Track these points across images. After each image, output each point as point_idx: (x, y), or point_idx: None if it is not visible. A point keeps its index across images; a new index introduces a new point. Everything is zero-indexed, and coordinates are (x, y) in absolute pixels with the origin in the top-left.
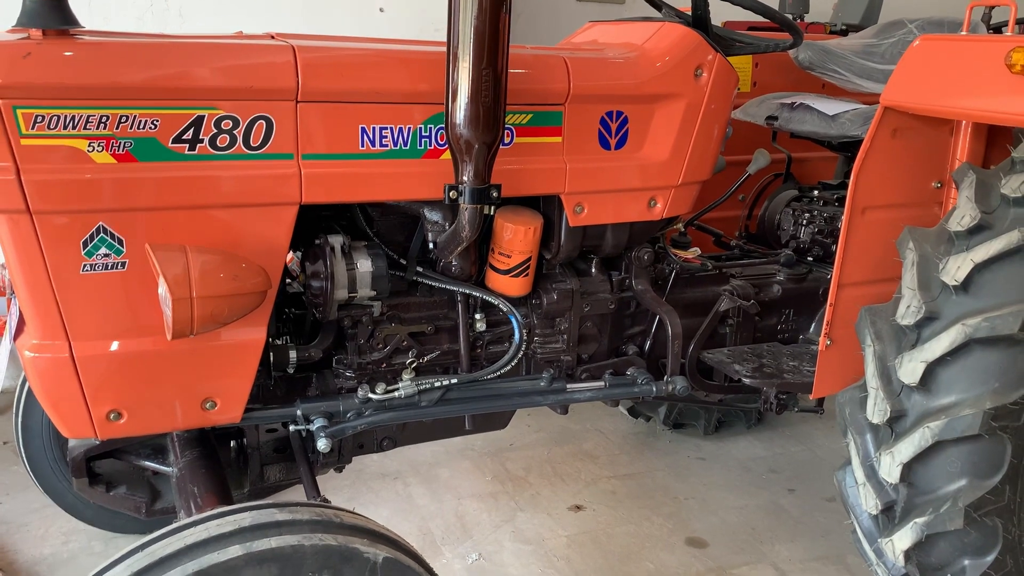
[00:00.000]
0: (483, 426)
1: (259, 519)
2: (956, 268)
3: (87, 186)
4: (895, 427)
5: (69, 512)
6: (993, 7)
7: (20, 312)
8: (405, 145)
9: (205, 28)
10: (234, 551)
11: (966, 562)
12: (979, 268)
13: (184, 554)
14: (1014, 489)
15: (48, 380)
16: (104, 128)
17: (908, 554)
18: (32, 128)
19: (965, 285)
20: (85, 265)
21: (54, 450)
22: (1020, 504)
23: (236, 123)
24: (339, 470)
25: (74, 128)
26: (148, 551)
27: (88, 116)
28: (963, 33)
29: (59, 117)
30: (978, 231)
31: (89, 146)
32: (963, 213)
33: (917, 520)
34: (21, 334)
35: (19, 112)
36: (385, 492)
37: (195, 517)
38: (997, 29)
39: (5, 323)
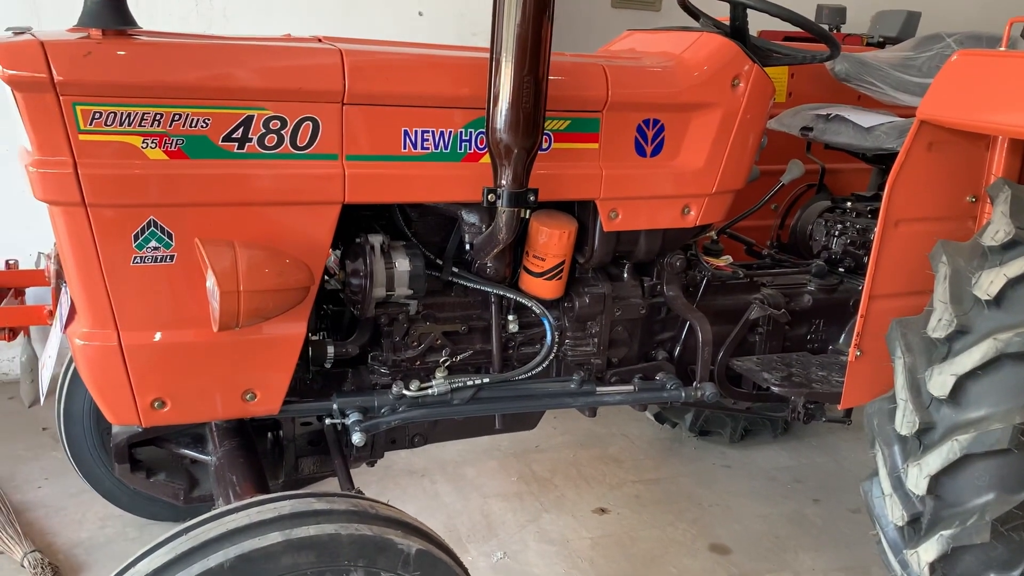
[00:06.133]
0: (513, 426)
1: (298, 508)
2: (989, 283)
3: (140, 181)
4: (923, 439)
5: (106, 498)
6: None
7: (71, 301)
8: (446, 148)
9: (249, 29)
10: (274, 537)
11: None
12: (1012, 283)
13: (226, 539)
14: None
15: (97, 368)
16: (158, 125)
17: (933, 566)
18: (90, 124)
19: (998, 300)
20: (136, 257)
21: (94, 436)
22: None
23: (284, 123)
24: (371, 464)
25: (129, 125)
26: (191, 535)
27: (143, 114)
28: (1002, 48)
29: (115, 114)
30: (1012, 246)
31: (143, 142)
32: (997, 228)
33: (943, 532)
34: (71, 323)
35: (78, 108)
36: (412, 489)
37: (236, 504)
38: None
39: (52, 312)
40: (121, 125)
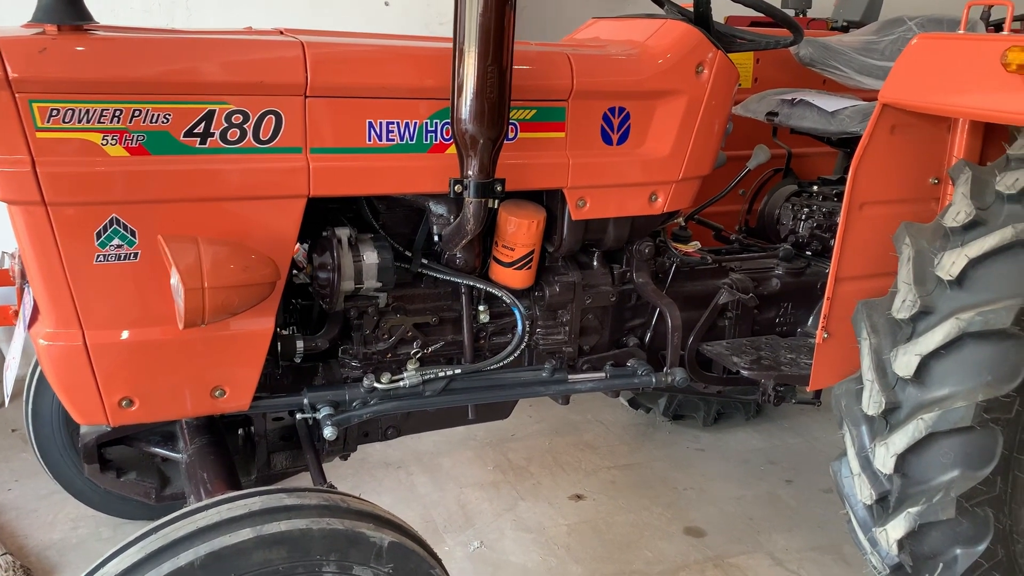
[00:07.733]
0: (486, 416)
1: (269, 503)
2: (951, 263)
3: (101, 178)
4: (890, 419)
5: (78, 498)
6: (992, 6)
7: (34, 301)
8: (411, 140)
9: (212, 22)
10: (245, 534)
11: (958, 551)
12: (973, 263)
13: (196, 537)
14: (1005, 480)
15: (62, 368)
16: (118, 122)
17: (901, 543)
18: (47, 121)
19: (959, 280)
20: (98, 256)
21: (63, 436)
22: (1011, 495)
23: (246, 117)
24: (344, 458)
25: (88, 121)
26: (161, 533)
27: (102, 110)
28: (961, 31)
29: (74, 111)
30: (973, 227)
31: (103, 139)
32: (959, 209)
33: (910, 510)
34: (35, 323)
35: (35, 106)
36: (388, 481)
37: (206, 501)
38: (997, 27)
39: (16, 312)
40: (80, 122)
